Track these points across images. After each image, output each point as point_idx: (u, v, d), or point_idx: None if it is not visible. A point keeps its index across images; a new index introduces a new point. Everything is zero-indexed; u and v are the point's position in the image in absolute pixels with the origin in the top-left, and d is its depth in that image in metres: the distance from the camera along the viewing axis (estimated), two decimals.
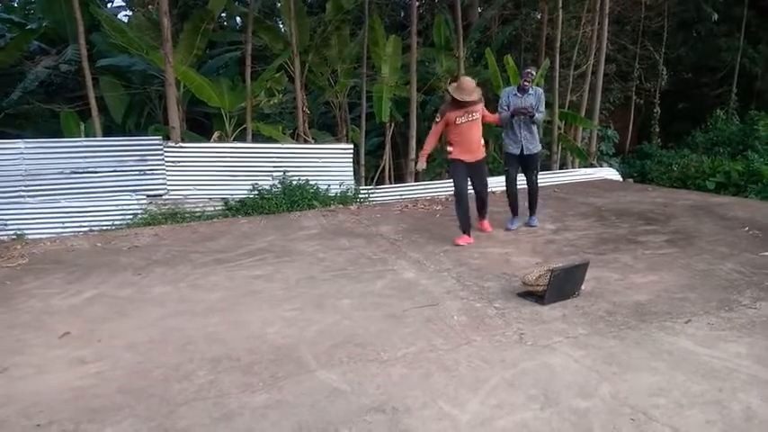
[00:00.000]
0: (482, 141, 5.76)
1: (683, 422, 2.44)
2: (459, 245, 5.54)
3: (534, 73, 6.10)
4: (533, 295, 3.97)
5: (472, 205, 5.85)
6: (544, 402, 2.63)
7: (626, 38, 16.22)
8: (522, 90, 5.95)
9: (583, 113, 12.90)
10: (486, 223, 6.15)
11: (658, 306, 3.79)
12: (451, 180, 5.96)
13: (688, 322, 3.50)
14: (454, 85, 5.71)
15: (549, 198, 8.26)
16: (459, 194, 5.63)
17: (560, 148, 12.63)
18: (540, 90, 6.05)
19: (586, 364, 2.99)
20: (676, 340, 3.25)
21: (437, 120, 5.64)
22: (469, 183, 5.78)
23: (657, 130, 17.56)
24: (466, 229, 5.69)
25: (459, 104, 5.44)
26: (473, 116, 5.53)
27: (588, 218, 6.70)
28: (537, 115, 5.88)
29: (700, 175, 11.89)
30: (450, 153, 5.69)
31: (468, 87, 5.45)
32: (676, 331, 3.37)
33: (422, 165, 5.84)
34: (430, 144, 5.78)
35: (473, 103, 5.46)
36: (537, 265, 4.75)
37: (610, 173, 11.13)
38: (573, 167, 12.74)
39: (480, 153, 5.73)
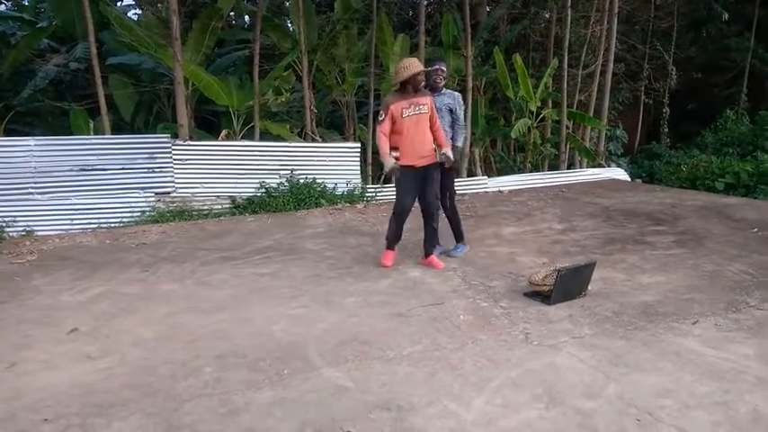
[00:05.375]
0: (433, 144, 4.73)
1: (690, 423, 2.43)
2: (386, 266, 4.84)
3: (445, 68, 4.98)
4: (540, 295, 3.96)
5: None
6: (549, 402, 2.62)
7: (635, 37, 16.15)
8: (434, 89, 4.93)
9: (591, 113, 12.86)
10: (433, 259, 4.90)
11: (665, 307, 3.77)
12: (399, 188, 4.82)
13: (695, 323, 3.48)
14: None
15: (557, 198, 8.24)
16: (402, 211, 4.80)
17: (568, 147, 12.58)
18: (458, 94, 5.06)
19: (592, 364, 2.98)
20: (683, 341, 3.23)
21: (381, 117, 4.59)
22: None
23: (666, 130, 17.47)
24: (392, 243, 4.94)
25: (404, 94, 4.56)
26: (420, 109, 4.55)
27: (596, 218, 6.67)
28: (458, 142, 5.00)
29: (709, 176, 11.81)
30: (398, 159, 4.63)
31: (401, 65, 4.53)
32: (683, 332, 3.36)
33: (391, 160, 4.58)
34: (385, 147, 4.62)
35: (417, 92, 4.56)
36: (543, 264, 4.74)
37: (618, 173, 11.08)
38: (581, 167, 12.71)
39: (433, 156, 4.71)
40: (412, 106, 4.55)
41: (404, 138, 4.59)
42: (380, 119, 4.60)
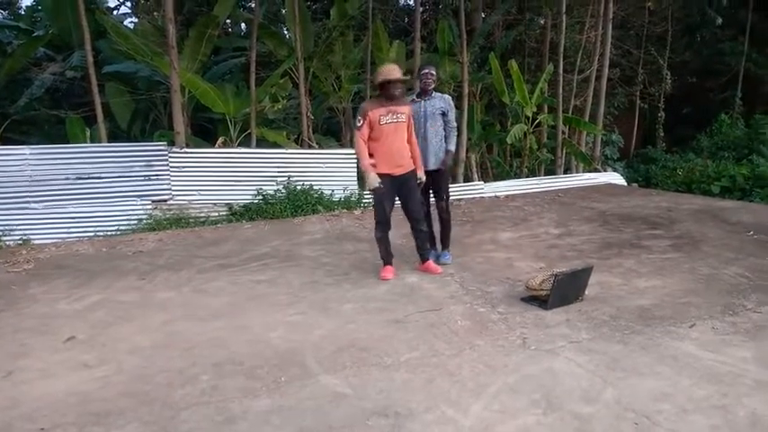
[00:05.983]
0: (408, 152, 4.64)
1: (688, 427, 2.43)
2: (386, 279, 4.70)
3: (435, 72, 4.90)
4: (537, 300, 3.96)
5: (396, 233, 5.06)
6: (547, 407, 2.62)
7: (630, 42, 16.24)
8: (424, 93, 4.87)
9: (587, 118, 12.91)
10: (430, 264, 4.91)
11: (662, 310, 3.77)
12: (376, 197, 4.67)
13: (692, 327, 3.48)
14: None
15: (553, 203, 8.26)
16: (384, 220, 4.66)
17: (564, 152, 12.62)
18: (448, 96, 4.97)
19: (590, 368, 2.98)
20: (681, 345, 3.23)
21: (359, 123, 4.49)
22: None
23: (662, 134, 17.54)
24: (387, 258, 4.83)
25: (382, 101, 4.51)
26: (398, 117, 4.49)
27: (592, 222, 6.68)
28: (451, 146, 4.91)
29: (705, 180, 11.86)
30: (374, 165, 4.53)
31: (383, 69, 4.55)
32: (681, 336, 3.36)
33: (375, 178, 4.49)
34: (364, 155, 4.53)
35: (397, 101, 4.49)
36: (540, 269, 4.74)
37: (614, 177, 11.12)
38: (577, 172, 12.73)
39: (410, 164, 4.63)
40: (390, 114, 4.47)
41: (381, 145, 4.52)
42: (358, 124, 4.51)
